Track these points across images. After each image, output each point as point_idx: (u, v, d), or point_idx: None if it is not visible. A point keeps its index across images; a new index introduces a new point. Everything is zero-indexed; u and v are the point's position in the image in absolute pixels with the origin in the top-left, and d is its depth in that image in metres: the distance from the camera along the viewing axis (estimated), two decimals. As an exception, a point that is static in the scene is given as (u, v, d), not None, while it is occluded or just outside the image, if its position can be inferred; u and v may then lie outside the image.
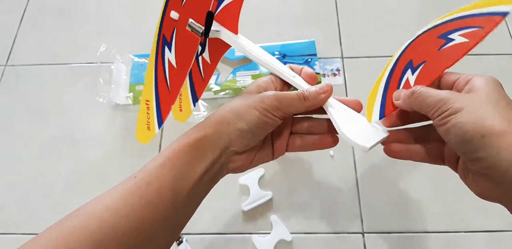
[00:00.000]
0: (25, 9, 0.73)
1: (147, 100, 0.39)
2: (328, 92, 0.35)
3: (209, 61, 0.38)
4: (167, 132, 0.60)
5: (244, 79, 0.60)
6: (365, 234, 0.51)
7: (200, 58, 0.38)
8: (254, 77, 0.60)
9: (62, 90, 0.65)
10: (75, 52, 0.68)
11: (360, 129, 0.34)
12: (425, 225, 0.52)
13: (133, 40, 0.69)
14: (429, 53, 0.32)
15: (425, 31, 0.32)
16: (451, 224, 0.51)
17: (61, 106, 0.63)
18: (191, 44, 0.34)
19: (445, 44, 0.32)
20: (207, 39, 0.34)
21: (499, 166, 0.27)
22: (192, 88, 0.40)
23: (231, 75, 0.61)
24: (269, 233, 0.51)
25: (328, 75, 0.63)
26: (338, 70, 0.64)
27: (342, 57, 0.65)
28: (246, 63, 0.62)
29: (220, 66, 0.63)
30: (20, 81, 0.66)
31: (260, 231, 0.52)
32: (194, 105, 0.41)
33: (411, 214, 0.52)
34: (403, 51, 0.34)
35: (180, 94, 0.41)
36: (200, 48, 0.34)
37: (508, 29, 0.66)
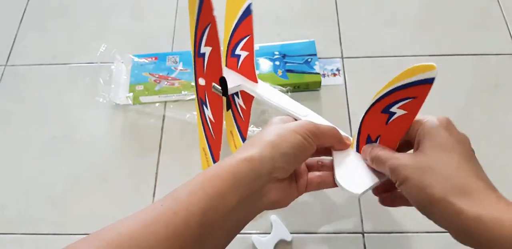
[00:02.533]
0: (25, 9, 0.73)
1: (203, 148, 0.48)
2: (348, 145, 0.37)
3: (244, 107, 0.46)
4: (167, 133, 0.60)
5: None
6: (365, 234, 0.52)
7: (238, 105, 0.47)
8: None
9: (62, 90, 0.65)
10: (75, 52, 0.68)
11: (357, 174, 0.36)
12: (426, 225, 0.52)
13: (133, 40, 0.69)
14: (380, 127, 0.34)
15: (371, 107, 0.34)
16: (451, 224, 0.51)
17: (61, 106, 0.63)
18: (218, 102, 0.41)
19: (389, 118, 0.33)
20: (228, 96, 0.41)
21: (453, 229, 0.29)
22: (238, 129, 0.50)
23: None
24: (269, 233, 0.51)
25: (328, 75, 0.63)
26: (338, 70, 0.64)
27: (342, 57, 0.65)
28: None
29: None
30: (20, 81, 0.66)
31: (260, 231, 0.52)
32: (243, 142, 0.50)
33: (411, 214, 0.52)
34: (360, 126, 0.36)
35: (232, 135, 0.51)
36: (225, 103, 0.41)
37: (508, 29, 0.66)
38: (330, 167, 0.37)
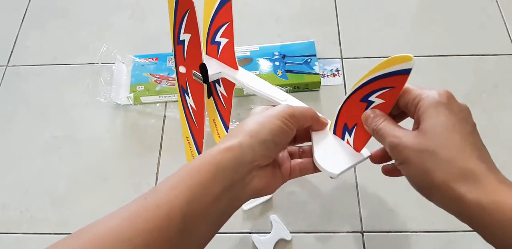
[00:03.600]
0: (26, 10, 0.74)
1: (187, 137, 0.48)
2: (325, 124, 0.38)
3: (226, 95, 0.46)
4: (167, 133, 0.60)
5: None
6: (364, 234, 0.52)
7: (219, 93, 0.46)
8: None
9: (63, 90, 0.65)
10: (76, 52, 0.68)
11: (336, 155, 0.36)
12: (425, 225, 0.52)
13: (134, 41, 0.69)
14: (357, 116, 0.34)
15: (350, 95, 0.34)
16: (451, 224, 0.51)
17: (62, 106, 0.64)
18: (199, 90, 0.41)
19: (368, 107, 0.34)
20: (209, 83, 0.40)
21: (455, 213, 0.29)
22: (221, 117, 0.49)
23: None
24: (269, 233, 0.51)
25: (327, 76, 0.63)
26: (337, 70, 0.64)
27: (341, 58, 0.65)
28: (246, 63, 0.62)
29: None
30: (21, 82, 0.66)
31: (260, 231, 0.52)
32: (227, 131, 0.51)
33: (410, 213, 0.53)
34: (337, 115, 0.37)
35: (215, 123, 0.51)
36: (206, 91, 0.41)
37: (507, 29, 0.66)
38: (310, 154, 0.37)
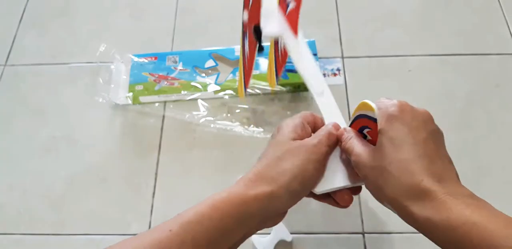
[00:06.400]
0: (24, 9, 0.73)
1: (240, 72, 0.51)
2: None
3: (283, 52, 0.48)
4: (166, 132, 0.60)
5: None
6: (365, 234, 0.51)
7: (280, 49, 0.48)
8: (254, 77, 0.60)
9: (61, 90, 0.65)
10: (74, 51, 0.68)
11: (329, 172, 0.35)
12: (426, 226, 0.52)
13: (132, 40, 0.69)
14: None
15: (351, 123, 0.36)
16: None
17: (61, 106, 0.63)
18: (253, 43, 0.42)
19: (365, 137, 0.34)
20: (261, 42, 0.42)
21: (413, 226, 0.31)
22: (275, 68, 0.50)
23: (231, 75, 0.61)
24: (269, 234, 0.51)
25: (328, 75, 0.63)
26: (338, 69, 0.63)
27: (342, 57, 0.65)
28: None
29: (219, 66, 0.63)
30: (20, 81, 0.66)
31: (260, 232, 0.52)
32: (277, 80, 0.54)
33: (411, 214, 0.52)
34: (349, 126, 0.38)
35: (270, 71, 0.51)
36: (257, 47, 0.43)
37: (509, 28, 0.66)
38: None
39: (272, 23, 0.40)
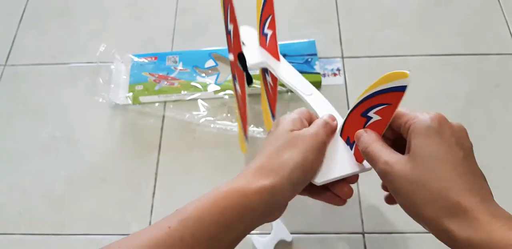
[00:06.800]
0: (24, 9, 0.73)
1: (238, 120, 0.52)
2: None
3: (272, 84, 0.50)
4: (166, 132, 0.60)
5: (244, 79, 0.60)
6: (365, 235, 0.51)
7: (268, 83, 0.50)
8: (255, 77, 0.60)
9: (61, 90, 0.65)
10: (74, 52, 0.68)
11: (329, 161, 0.34)
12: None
13: (132, 40, 0.69)
14: (358, 129, 0.34)
15: (353, 109, 0.34)
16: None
17: (61, 106, 0.63)
18: (241, 77, 0.43)
19: (367, 122, 0.33)
20: (248, 72, 0.43)
21: (447, 245, 0.29)
22: (269, 105, 0.53)
23: (231, 75, 0.61)
24: (269, 234, 0.51)
25: (328, 75, 0.63)
26: (338, 69, 0.63)
27: (342, 57, 0.65)
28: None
29: (219, 66, 0.63)
30: (20, 81, 0.66)
31: (260, 232, 0.52)
32: (273, 119, 0.55)
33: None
34: (341, 129, 0.36)
35: (266, 112, 0.55)
36: (246, 79, 0.44)
37: (509, 28, 0.66)
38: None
39: (255, 55, 0.44)
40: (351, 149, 0.35)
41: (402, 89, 0.29)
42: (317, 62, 0.61)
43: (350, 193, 0.36)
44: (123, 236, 0.29)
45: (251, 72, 0.44)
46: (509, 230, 0.26)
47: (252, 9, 0.43)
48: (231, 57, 0.42)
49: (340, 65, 0.64)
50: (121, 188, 0.56)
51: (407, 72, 0.28)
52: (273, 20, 0.42)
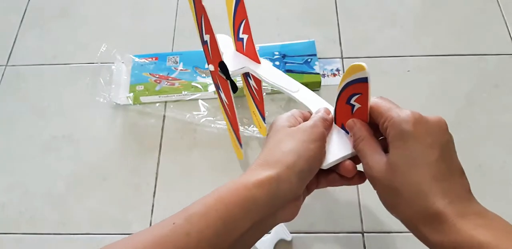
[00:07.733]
0: (25, 9, 0.73)
1: (229, 129, 0.51)
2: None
3: (256, 87, 0.50)
4: (166, 132, 0.60)
5: (244, 79, 0.61)
6: (365, 234, 0.52)
7: (252, 86, 0.50)
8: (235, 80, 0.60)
9: (62, 90, 0.65)
10: (75, 52, 0.68)
11: (332, 145, 0.36)
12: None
13: (133, 40, 0.69)
14: (348, 117, 0.36)
15: (337, 98, 0.35)
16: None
17: (62, 106, 0.63)
18: (225, 86, 0.43)
19: (352, 109, 0.35)
20: (231, 79, 0.42)
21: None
22: (257, 108, 0.54)
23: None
24: (269, 233, 0.51)
25: (328, 75, 0.63)
26: (338, 70, 0.64)
27: (342, 57, 0.65)
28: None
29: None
30: (21, 81, 0.66)
31: (260, 231, 0.52)
32: (264, 121, 0.55)
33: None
34: (334, 117, 0.37)
35: (255, 114, 0.56)
36: (230, 86, 0.43)
37: (508, 29, 0.66)
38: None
39: (235, 61, 0.44)
40: (348, 133, 0.37)
41: (364, 80, 0.31)
42: (316, 63, 0.62)
43: (354, 170, 0.36)
44: (124, 235, 0.29)
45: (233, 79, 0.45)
46: (474, 228, 0.26)
47: (221, 17, 0.42)
48: (211, 67, 0.42)
49: (339, 66, 0.64)
50: (122, 188, 0.56)
51: (363, 64, 0.30)
52: (247, 24, 0.42)
